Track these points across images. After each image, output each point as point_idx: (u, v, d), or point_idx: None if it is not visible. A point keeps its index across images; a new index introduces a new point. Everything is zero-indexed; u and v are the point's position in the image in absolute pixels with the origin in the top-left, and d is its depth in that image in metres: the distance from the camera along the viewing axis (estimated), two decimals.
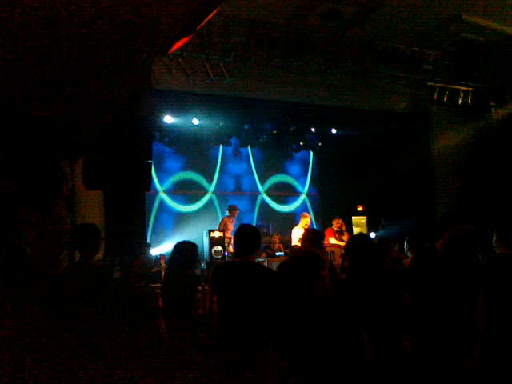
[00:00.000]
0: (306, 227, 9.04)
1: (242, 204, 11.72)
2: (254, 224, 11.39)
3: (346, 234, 9.41)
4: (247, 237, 3.52)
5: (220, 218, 10.54)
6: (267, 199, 12.66)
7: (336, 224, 9.33)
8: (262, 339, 3.17)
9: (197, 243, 4.46)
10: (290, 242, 9.19)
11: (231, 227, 9.48)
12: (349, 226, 10.55)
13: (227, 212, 9.87)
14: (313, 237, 4.39)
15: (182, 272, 4.19)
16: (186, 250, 4.31)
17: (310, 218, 9.48)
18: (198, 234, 9.53)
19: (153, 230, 11.03)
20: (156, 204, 11.21)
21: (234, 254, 3.59)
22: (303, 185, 13.13)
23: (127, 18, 3.16)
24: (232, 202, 10.86)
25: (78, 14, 2.65)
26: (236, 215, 9.75)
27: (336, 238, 9.26)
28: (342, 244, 8.76)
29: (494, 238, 4.30)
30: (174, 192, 11.56)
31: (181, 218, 11.43)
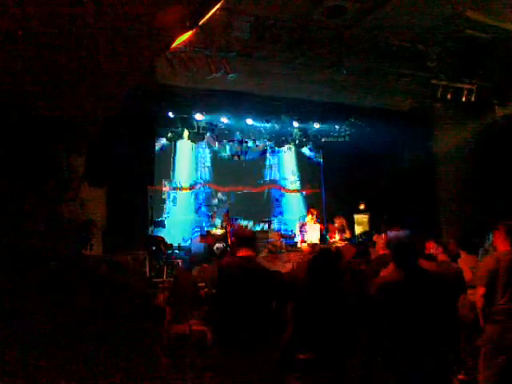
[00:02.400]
0: (313, 222, 9.27)
1: (244, 199, 11.74)
2: (258, 220, 11.45)
3: (347, 231, 9.51)
4: (248, 233, 3.63)
5: (223, 213, 10.50)
6: (271, 195, 12.64)
7: (338, 222, 9.47)
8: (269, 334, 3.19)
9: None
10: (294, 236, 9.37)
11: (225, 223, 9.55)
12: (351, 223, 10.55)
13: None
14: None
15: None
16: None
17: (317, 213, 9.66)
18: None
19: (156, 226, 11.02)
20: (160, 199, 11.20)
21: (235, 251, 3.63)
22: (305, 181, 13.10)
23: (130, 15, 3.16)
24: (235, 197, 10.90)
25: (81, 11, 2.65)
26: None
27: (339, 235, 9.39)
28: (343, 243, 8.85)
29: (495, 235, 4.31)
30: (177, 188, 11.55)
31: (185, 214, 11.42)
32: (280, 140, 11.87)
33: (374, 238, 9.25)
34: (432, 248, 5.35)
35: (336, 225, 9.47)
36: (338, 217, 9.62)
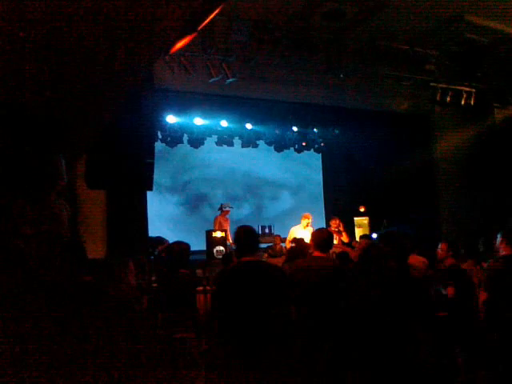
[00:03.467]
0: (307, 227, 9.00)
1: (245, 204, 11.74)
2: (257, 224, 11.42)
3: (344, 234, 9.15)
4: (253, 236, 3.59)
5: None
6: (270, 199, 12.65)
7: (333, 224, 9.09)
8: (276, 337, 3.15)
9: (198, 244, 4.48)
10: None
11: (226, 226, 9.41)
12: (351, 226, 10.53)
13: (219, 211, 9.83)
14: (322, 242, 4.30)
15: (175, 272, 4.18)
16: (181, 250, 4.33)
17: (312, 219, 9.40)
18: (198, 234, 9.54)
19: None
20: (157, 203, 11.20)
21: (241, 254, 3.57)
22: (306, 185, 13.12)
23: (129, 17, 3.16)
24: (234, 203, 10.85)
25: (79, 12, 2.65)
26: (228, 213, 9.69)
27: (335, 239, 9.10)
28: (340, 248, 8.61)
29: (499, 240, 4.28)
30: (175, 192, 11.57)
31: (181, 219, 11.43)
32: (279, 144, 11.88)
33: (353, 243, 9.07)
34: (443, 250, 5.30)
35: (332, 227, 9.09)
36: (334, 219, 9.22)
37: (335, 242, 8.89)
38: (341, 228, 9.01)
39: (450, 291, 4.69)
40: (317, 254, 4.25)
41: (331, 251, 7.86)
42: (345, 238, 8.95)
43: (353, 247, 8.68)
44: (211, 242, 8.59)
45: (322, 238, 4.29)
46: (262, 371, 3.00)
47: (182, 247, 4.41)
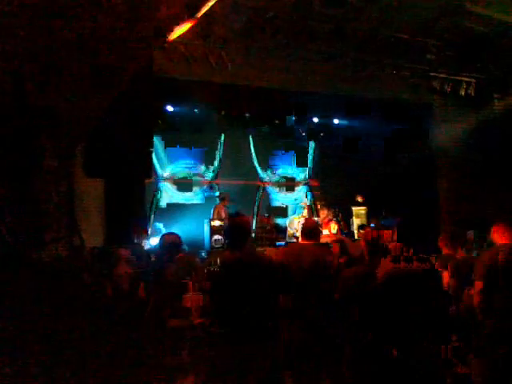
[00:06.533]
0: (303, 217, 8.92)
1: (242, 194, 11.72)
2: (255, 214, 11.43)
3: (335, 224, 8.99)
4: (241, 229, 3.52)
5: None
6: (269, 189, 12.63)
7: (323, 215, 8.95)
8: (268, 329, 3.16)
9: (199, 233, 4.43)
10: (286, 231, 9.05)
11: (224, 215, 9.41)
12: (349, 216, 10.52)
13: (218, 200, 9.85)
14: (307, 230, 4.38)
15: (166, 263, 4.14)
16: (171, 241, 4.30)
17: (307, 208, 9.31)
18: (199, 223, 9.54)
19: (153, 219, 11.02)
20: (156, 192, 11.19)
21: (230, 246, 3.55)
22: (304, 174, 13.10)
23: (129, 5, 3.14)
24: (233, 192, 10.84)
25: (79, 1, 2.63)
26: (227, 203, 9.69)
27: (333, 228, 8.94)
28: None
29: (495, 229, 4.28)
30: (174, 181, 11.55)
31: (181, 207, 11.42)
32: (279, 133, 11.84)
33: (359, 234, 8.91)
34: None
35: (321, 218, 8.88)
36: (322, 210, 9.08)
37: (334, 231, 8.78)
38: (331, 218, 8.85)
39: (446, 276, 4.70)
40: (303, 241, 4.35)
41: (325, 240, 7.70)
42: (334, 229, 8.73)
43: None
44: (209, 230, 8.57)
45: (307, 227, 4.39)
46: (255, 361, 3.02)
47: (172, 239, 4.39)
